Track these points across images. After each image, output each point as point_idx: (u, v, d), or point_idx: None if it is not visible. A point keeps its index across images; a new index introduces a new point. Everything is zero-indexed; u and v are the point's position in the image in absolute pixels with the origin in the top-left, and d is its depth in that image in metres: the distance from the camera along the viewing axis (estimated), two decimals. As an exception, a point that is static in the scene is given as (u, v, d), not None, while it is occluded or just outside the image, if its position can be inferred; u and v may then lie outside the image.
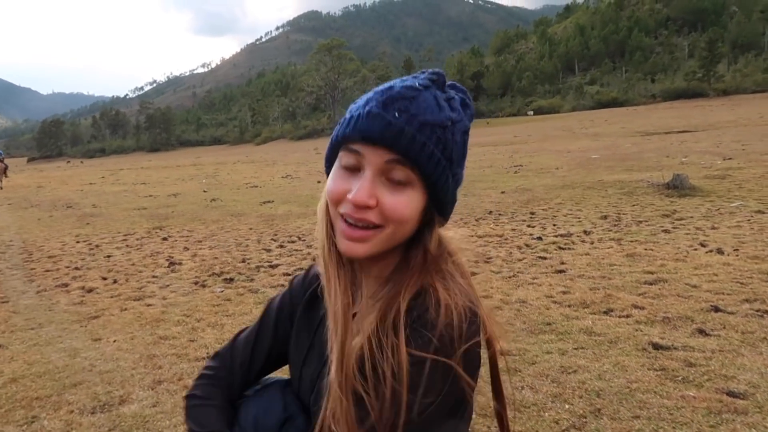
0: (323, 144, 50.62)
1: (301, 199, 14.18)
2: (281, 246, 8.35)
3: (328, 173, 0.95)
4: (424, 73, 0.90)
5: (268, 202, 13.65)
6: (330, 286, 0.94)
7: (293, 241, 8.68)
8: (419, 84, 0.85)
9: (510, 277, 5.80)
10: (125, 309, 5.58)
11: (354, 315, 0.96)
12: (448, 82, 0.91)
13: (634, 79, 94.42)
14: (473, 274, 1.17)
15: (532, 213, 9.75)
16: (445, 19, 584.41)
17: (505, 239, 7.82)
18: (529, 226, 8.66)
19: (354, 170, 0.87)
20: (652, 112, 54.20)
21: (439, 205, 0.92)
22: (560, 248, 7.01)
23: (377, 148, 0.83)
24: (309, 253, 7.72)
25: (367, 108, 0.84)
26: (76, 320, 5.31)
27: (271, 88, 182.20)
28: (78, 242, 9.84)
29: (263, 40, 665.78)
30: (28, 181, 30.58)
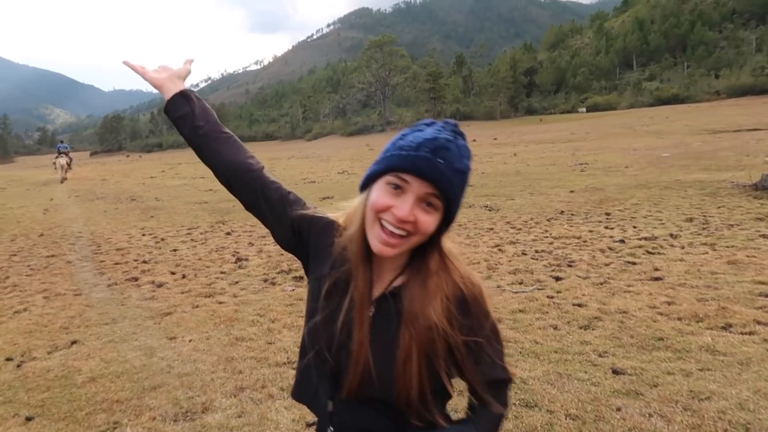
0: (375, 140, 50.45)
1: (361, 195, 13.95)
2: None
3: (365, 186, 1.19)
4: (447, 123, 1.16)
5: (328, 197, 13.48)
6: (357, 273, 1.19)
7: (359, 239, 8.44)
8: (451, 137, 1.11)
9: (601, 284, 5.37)
10: (197, 306, 5.44)
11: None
12: (454, 127, 1.15)
13: (697, 74, 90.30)
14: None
15: (608, 214, 9.20)
16: (496, 14, 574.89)
17: (584, 241, 7.36)
18: (606, 227, 8.15)
19: (398, 191, 1.10)
20: (716, 110, 51.57)
21: (449, 222, 1.17)
22: (648, 252, 6.51)
23: (423, 182, 1.08)
24: (377, 252, 7.46)
25: (420, 152, 1.08)
26: (149, 316, 5.20)
27: (321, 84, 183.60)
28: (144, 235, 9.89)
29: (314, 37, 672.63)
30: (92, 174, 31.60)
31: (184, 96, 1.41)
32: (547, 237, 7.80)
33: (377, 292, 1.20)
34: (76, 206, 15.38)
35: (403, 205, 1.08)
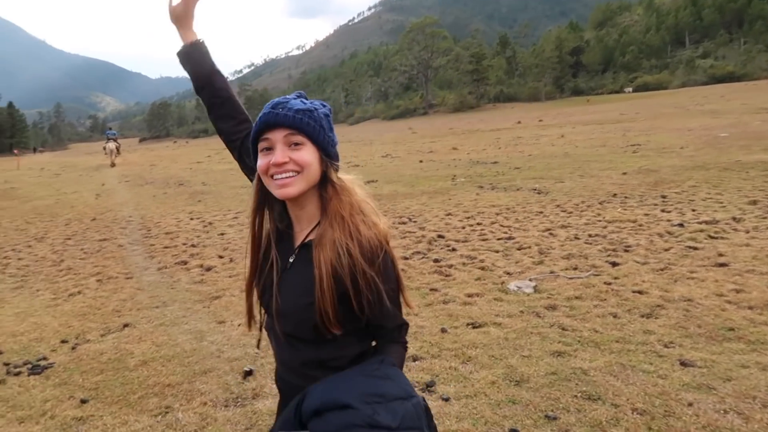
0: (417, 123, 50.20)
1: (405, 178, 13.80)
2: (392, 227, 8.00)
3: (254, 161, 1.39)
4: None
5: (372, 181, 13.38)
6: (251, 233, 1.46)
7: (404, 222, 8.32)
8: (290, 96, 1.37)
9: (661, 270, 5.10)
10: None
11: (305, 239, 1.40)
12: (304, 95, 1.42)
13: (754, 51, 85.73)
14: None
15: (664, 196, 8.80)
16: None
17: (640, 225, 7.04)
18: (663, 210, 7.78)
19: (269, 150, 1.32)
20: (776, 87, 49.04)
21: (328, 156, 1.36)
22: (711, 237, 6.16)
23: (276, 130, 1.31)
24: (423, 235, 7.33)
25: (265, 112, 1.32)
26: (198, 300, 5.22)
27: (363, 68, 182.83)
28: (192, 219, 10.02)
29: (355, 21, 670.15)
30: (141, 160, 32.40)
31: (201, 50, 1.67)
32: (600, 221, 7.51)
33: (297, 243, 1.41)
34: (127, 191, 15.76)
35: (276, 154, 1.30)
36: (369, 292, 1.28)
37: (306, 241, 1.37)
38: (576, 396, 2.96)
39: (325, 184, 1.35)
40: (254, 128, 1.35)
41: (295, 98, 1.36)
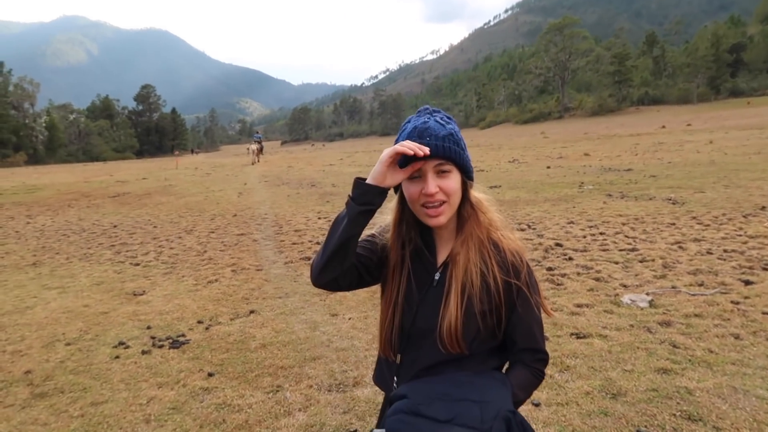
0: (550, 128, 48.73)
1: (530, 185, 13.55)
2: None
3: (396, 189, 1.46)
4: (420, 112, 1.43)
5: (495, 187, 13.31)
6: (394, 250, 1.46)
7: (523, 229, 8.24)
8: (426, 118, 1.38)
9: (804, 292, 4.64)
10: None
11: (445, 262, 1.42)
12: (432, 109, 1.43)
13: None
14: None
15: (823, 211, 7.88)
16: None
17: (787, 242, 6.39)
18: (820, 227, 6.99)
19: (418, 179, 1.34)
20: None
21: (468, 176, 1.39)
22: None
23: (427, 160, 1.31)
24: (540, 243, 7.22)
25: (409, 137, 1.34)
26: (316, 293, 5.61)
27: (497, 71, 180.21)
28: (319, 218, 10.65)
29: (491, 23, 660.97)
30: (280, 162, 34.68)
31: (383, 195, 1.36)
32: (740, 235, 6.92)
33: (440, 260, 1.44)
34: (265, 190, 17.02)
35: (427, 184, 1.32)
36: (519, 305, 1.36)
37: (448, 258, 1.41)
38: (674, 415, 2.85)
39: (464, 203, 1.40)
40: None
41: (430, 119, 1.37)
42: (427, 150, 1.27)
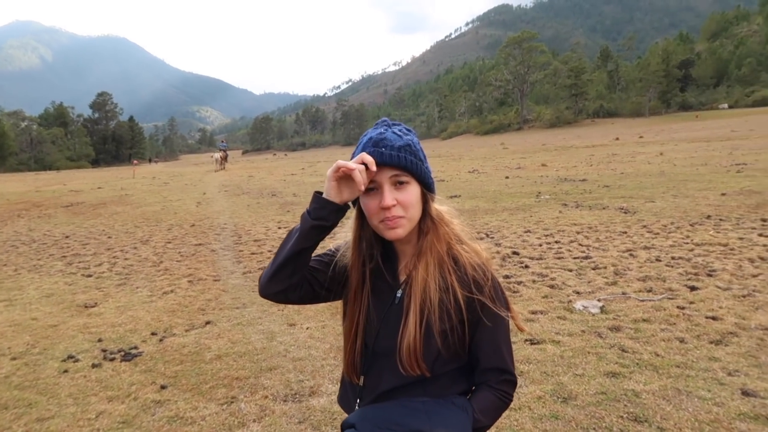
0: (510, 139, 49.54)
1: (489, 194, 13.77)
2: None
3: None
4: (377, 124, 1.37)
5: (455, 196, 13.47)
6: (353, 269, 1.41)
7: (481, 238, 8.35)
8: (383, 129, 1.33)
9: (743, 297, 4.85)
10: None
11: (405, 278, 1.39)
12: (390, 121, 1.37)
13: None
14: None
15: (764, 220, 8.24)
16: (649, 4, 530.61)
17: (731, 249, 6.66)
18: (761, 235, 7.31)
19: (374, 191, 1.29)
20: None
21: (428, 188, 1.34)
22: (809, 265, 5.75)
23: (382, 170, 1.27)
24: (498, 251, 7.34)
25: (364, 149, 1.29)
26: (274, 303, 5.56)
27: (458, 83, 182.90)
28: (279, 228, 10.57)
29: (453, 36, 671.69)
30: (241, 171, 34.28)
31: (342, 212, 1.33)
32: (687, 243, 7.18)
33: (403, 277, 1.39)
34: (225, 200, 16.80)
35: (383, 196, 1.26)
36: (484, 322, 1.30)
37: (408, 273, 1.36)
38: (621, 417, 2.94)
39: (424, 217, 1.34)
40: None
41: (387, 130, 1.32)
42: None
